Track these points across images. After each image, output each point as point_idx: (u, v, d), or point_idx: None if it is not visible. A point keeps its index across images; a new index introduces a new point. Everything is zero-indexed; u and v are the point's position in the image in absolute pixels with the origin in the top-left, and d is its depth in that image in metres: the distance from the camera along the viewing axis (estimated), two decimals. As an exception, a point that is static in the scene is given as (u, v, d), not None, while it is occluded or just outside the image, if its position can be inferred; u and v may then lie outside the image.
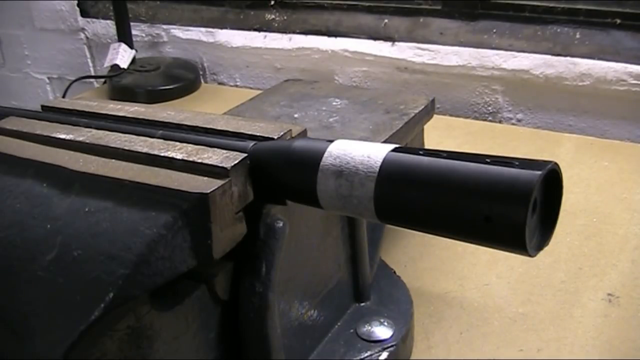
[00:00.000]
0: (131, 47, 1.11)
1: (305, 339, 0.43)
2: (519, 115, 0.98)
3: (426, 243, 0.63)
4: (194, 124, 0.39)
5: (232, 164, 0.33)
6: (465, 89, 1.00)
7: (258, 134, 0.37)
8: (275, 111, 0.65)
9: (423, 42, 1.02)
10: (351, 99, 0.67)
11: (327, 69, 1.09)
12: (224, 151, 0.34)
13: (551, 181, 0.27)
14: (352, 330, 0.46)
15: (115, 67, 1.08)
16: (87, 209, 0.32)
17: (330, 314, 0.46)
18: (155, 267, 0.29)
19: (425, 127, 0.66)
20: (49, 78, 1.43)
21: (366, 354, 0.44)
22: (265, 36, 1.15)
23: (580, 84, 0.89)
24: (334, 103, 0.66)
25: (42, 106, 0.45)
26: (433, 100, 0.65)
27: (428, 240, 0.63)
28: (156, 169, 0.34)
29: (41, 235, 0.32)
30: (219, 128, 0.38)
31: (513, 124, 0.98)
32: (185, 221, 0.31)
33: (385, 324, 0.47)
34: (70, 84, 1.11)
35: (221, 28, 1.18)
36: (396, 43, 1.04)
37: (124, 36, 1.10)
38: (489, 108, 0.99)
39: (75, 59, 1.36)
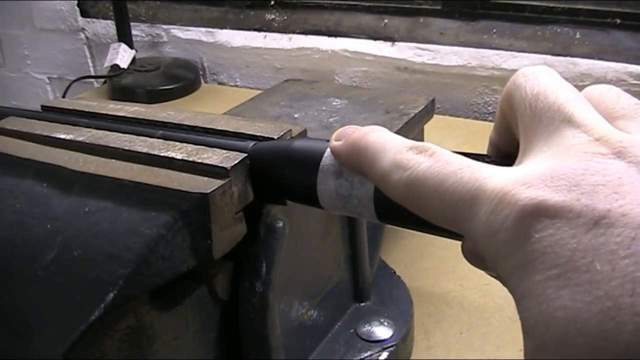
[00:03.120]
0: (131, 47, 1.11)
1: (305, 339, 0.43)
2: (519, 115, 0.98)
3: (426, 243, 0.63)
4: (194, 124, 0.39)
5: (232, 164, 0.33)
6: (465, 89, 1.00)
7: (258, 134, 0.37)
8: (275, 111, 0.65)
9: (423, 42, 1.02)
10: (351, 99, 0.67)
11: (327, 69, 1.09)
12: (224, 151, 0.34)
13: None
14: (352, 330, 0.46)
15: (115, 67, 1.08)
16: (87, 209, 0.32)
17: (330, 314, 0.46)
18: (155, 267, 0.29)
19: (425, 127, 0.66)
20: (49, 78, 1.43)
21: (366, 354, 0.44)
22: (265, 36, 1.15)
23: (580, 84, 0.89)
24: (334, 103, 0.66)
25: (42, 106, 0.45)
26: (433, 100, 0.65)
27: (428, 240, 0.63)
28: (156, 169, 0.34)
29: (41, 235, 0.32)
30: (219, 128, 0.38)
31: (513, 124, 0.98)
32: (185, 221, 0.31)
33: (385, 324, 0.47)
34: (70, 84, 1.11)
35: (221, 28, 1.18)
36: (396, 43, 1.04)
37: (124, 36, 1.10)
38: (489, 108, 1.00)
39: (75, 59, 1.36)
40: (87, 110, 0.43)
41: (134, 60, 1.11)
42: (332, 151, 0.29)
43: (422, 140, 0.54)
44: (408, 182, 0.23)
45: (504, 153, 0.27)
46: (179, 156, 0.34)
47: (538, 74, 0.23)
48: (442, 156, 0.22)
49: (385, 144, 0.25)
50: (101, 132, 0.39)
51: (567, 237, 0.18)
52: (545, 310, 0.18)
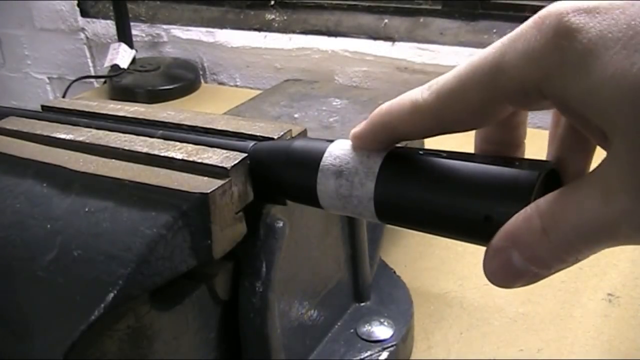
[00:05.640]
0: (131, 47, 1.11)
1: (305, 339, 0.43)
2: (519, 115, 0.98)
3: (426, 243, 0.63)
4: (194, 124, 0.39)
5: (232, 164, 0.33)
6: (465, 89, 1.00)
7: (258, 134, 0.37)
8: (275, 111, 0.65)
9: (423, 42, 1.02)
10: (351, 99, 0.67)
11: (327, 69, 1.09)
12: (224, 151, 0.34)
13: (551, 181, 0.27)
14: (352, 330, 0.46)
15: (115, 67, 1.08)
16: (87, 209, 0.32)
17: (330, 314, 0.46)
18: (155, 267, 0.29)
19: (425, 127, 0.66)
20: (49, 78, 1.43)
21: (366, 354, 0.44)
22: (265, 36, 1.15)
23: (580, 84, 0.89)
24: (334, 103, 0.66)
25: (42, 106, 0.45)
26: (433, 100, 0.65)
27: (428, 240, 0.63)
28: (156, 169, 0.34)
29: (41, 235, 0.32)
30: (219, 128, 0.38)
31: (513, 124, 0.98)
32: (185, 221, 0.31)
33: (385, 324, 0.47)
34: (70, 84, 1.11)
35: (221, 28, 1.18)
36: (396, 43, 1.04)
37: (124, 36, 1.10)
38: (489, 108, 0.99)
39: (75, 59, 1.36)
40: (87, 110, 0.43)
41: (134, 60, 1.11)
42: (353, 136, 0.29)
43: (422, 143, 0.54)
44: (437, 89, 0.26)
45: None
46: (179, 156, 0.34)
47: None
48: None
49: (402, 96, 0.27)
50: (101, 132, 0.39)
51: (616, 15, 0.20)
52: (627, 80, 0.19)
